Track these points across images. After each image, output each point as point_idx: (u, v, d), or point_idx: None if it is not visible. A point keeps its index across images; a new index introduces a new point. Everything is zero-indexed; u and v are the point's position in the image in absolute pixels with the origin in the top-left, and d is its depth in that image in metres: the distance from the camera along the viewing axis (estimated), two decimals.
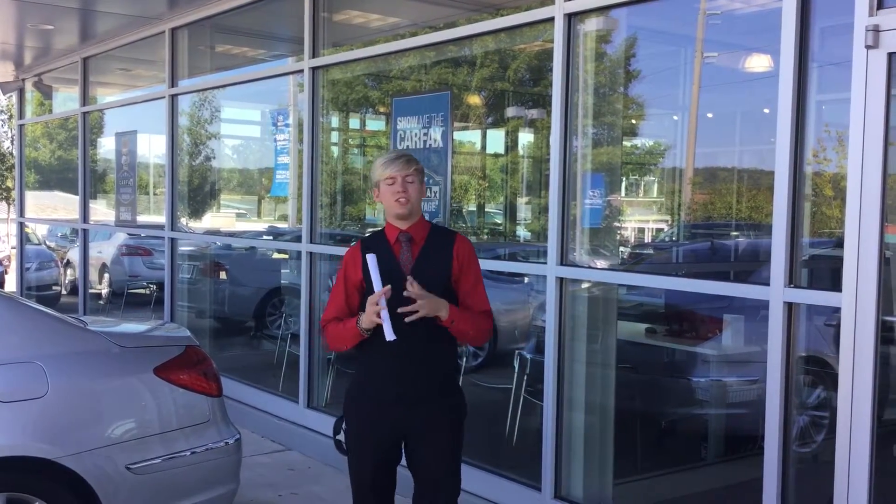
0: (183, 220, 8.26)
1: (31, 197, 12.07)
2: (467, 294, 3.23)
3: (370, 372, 3.18)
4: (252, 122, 8.93)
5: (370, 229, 7.52)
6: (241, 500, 4.49)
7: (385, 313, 3.00)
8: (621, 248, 5.89)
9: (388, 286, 3.01)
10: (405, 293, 3.01)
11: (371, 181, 3.28)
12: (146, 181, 9.31)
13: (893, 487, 3.53)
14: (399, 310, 3.02)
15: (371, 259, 3.06)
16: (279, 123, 7.17)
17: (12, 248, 13.01)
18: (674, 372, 5.51)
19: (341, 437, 3.27)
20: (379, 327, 3.03)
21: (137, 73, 9.72)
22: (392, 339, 2.99)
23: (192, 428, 3.71)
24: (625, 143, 5.92)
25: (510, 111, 7.50)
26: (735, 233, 6.35)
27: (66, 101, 11.17)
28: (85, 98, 9.59)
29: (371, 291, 3.08)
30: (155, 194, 9.15)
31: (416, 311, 3.01)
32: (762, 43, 4.91)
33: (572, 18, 4.33)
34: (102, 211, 10.02)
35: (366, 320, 3.06)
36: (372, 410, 3.17)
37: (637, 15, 5.01)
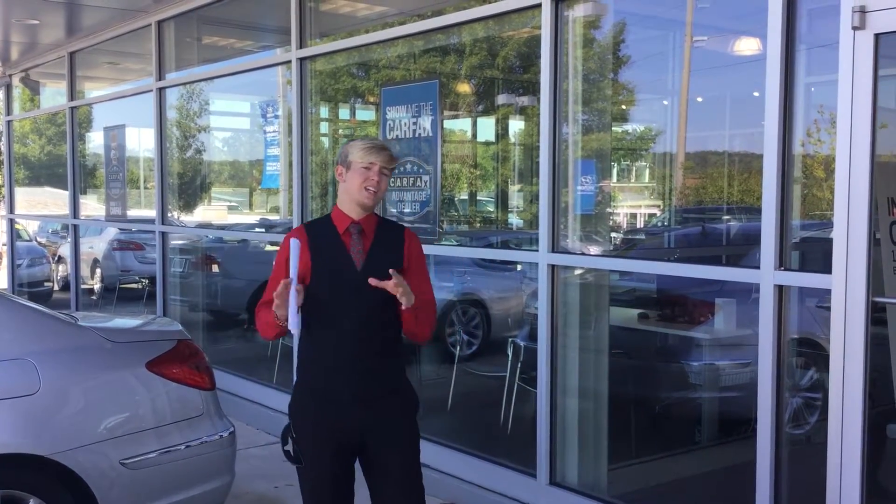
0: (174, 214, 8.23)
1: (21, 193, 12.02)
2: (416, 287, 3.06)
3: (320, 373, 3.03)
4: (241, 114, 8.90)
5: None
6: (236, 492, 4.50)
7: (294, 304, 2.82)
8: (613, 234, 5.89)
9: (291, 279, 2.84)
10: (392, 281, 2.88)
11: (340, 159, 3.08)
12: (136, 175, 9.28)
13: (887, 468, 3.55)
14: (372, 281, 2.88)
15: (294, 245, 2.86)
16: (268, 115, 7.15)
17: (3, 244, 12.97)
18: (667, 356, 5.53)
19: (289, 446, 3.06)
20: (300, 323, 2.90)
21: (125, 66, 9.67)
22: (296, 330, 2.86)
23: (185, 421, 3.71)
24: (615, 128, 5.92)
25: (500, 99, 7.49)
26: (726, 217, 6.36)
27: (53, 96, 11.11)
28: (72, 93, 9.53)
29: (328, 286, 2.95)
30: (145, 188, 9.12)
31: (391, 286, 2.88)
32: (750, 26, 4.91)
33: (560, 4, 4.31)
34: (93, 206, 9.98)
35: (278, 308, 2.87)
36: (328, 413, 3.00)
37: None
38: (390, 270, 2.90)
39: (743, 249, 5.56)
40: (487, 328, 7.08)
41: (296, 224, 6.12)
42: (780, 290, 3.41)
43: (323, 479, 3.04)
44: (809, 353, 4.54)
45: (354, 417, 2.99)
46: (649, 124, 6.80)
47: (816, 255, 3.79)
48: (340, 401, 2.99)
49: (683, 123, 6.25)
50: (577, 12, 4.46)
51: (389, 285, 2.88)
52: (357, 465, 3.14)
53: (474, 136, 7.87)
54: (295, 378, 3.18)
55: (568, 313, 4.52)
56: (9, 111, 11.70)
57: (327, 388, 3.01)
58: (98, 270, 10.74)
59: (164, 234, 7.93)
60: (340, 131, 7.82)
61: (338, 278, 2.98)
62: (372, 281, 2.89)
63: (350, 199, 3.04)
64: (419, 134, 5.18)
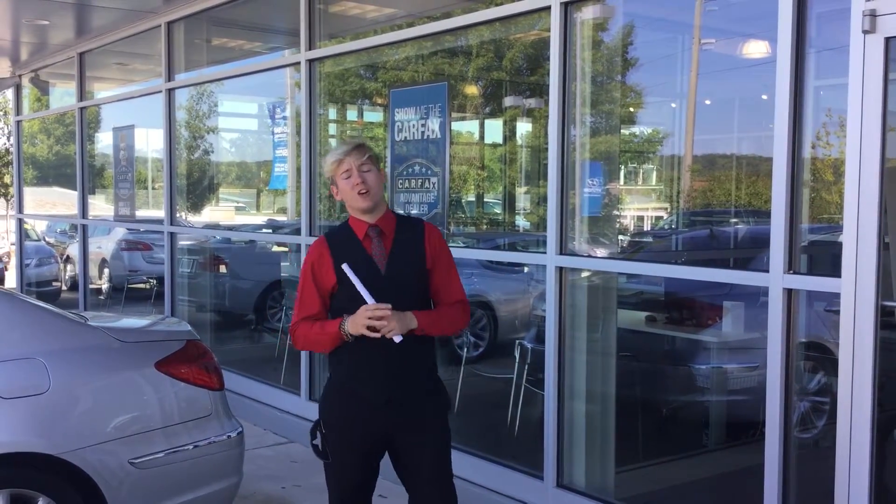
0: (182, 215, 8.26)
1: (30, 193, 12.06)
2: (441, 285, 3.10)
3: (354, 375, 3.04)
4: (250, 116, 8.92)
5: None
6: (244, 492, 4.51)
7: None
8: (620, 237, 5.89)
9: (389, 305, 2.89)
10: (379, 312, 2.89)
11: (327, 180, 3.11)
12: (144, 176, 9.30)
13: (895, 473, 3.54)
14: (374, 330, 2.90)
15: (348, 270, 2.92)
16: (277, 116, 7.17)
17: (11, 244, 13.03)
18: (674, 359, 5.52)
19: (318, 441, 3.10)
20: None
21: (134, 67, 9.70)
22: (400, 339, 2.91)
23: (194, 422, 3.72)
24: (623, 131, 5.91)
25: (508, 101, 7.50)
26: (734, 220, 6.36)
27: (62, 96, 11.15)
28: (82, 93, 9.57)
29: (351, 296, 2.95)
30: (153, 189, 9.15)
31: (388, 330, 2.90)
32: (759, 29, 4.90)
33: (569, 7, 4.32)
34: (101, 206, 10.02)
35: (355, 328, 2.91)
36: (359, 414, 3.03)
37: (634, 2, 5.00)
38: (385, 308, 2.89)
39: (751, 252, 5.55)
40: (494, 330, 7.08)
41: (303, 225, 6.13)
42: (790, 293, 3.40)
43: (349, 476, 3.10)
44: (818, 357, 4.53)
45: (384, 419, 3.03)
46: (657, 127, 6.80)
47: (825, 258, 3.79)
48: (371, 403, 3.02)
49: (691, 126, 6.24)
50: (586, 15, 4.46)
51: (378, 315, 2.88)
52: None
53: (482, 137, 7.88)
54: (328, 376, 3.21)
55: (575, 315, 4.51)
56: (18, 111, 11.75)
57: (358, 390, 3.04)
58: (106, 270, 10.77)
59: (172, 235, 7.95)
60: (349, 133, 7.83)
61: (364, 284, 2.96)
62: (371, 306, 2.88)
63: (353, 208, 3.07)
64: (427, 136, 5.19)
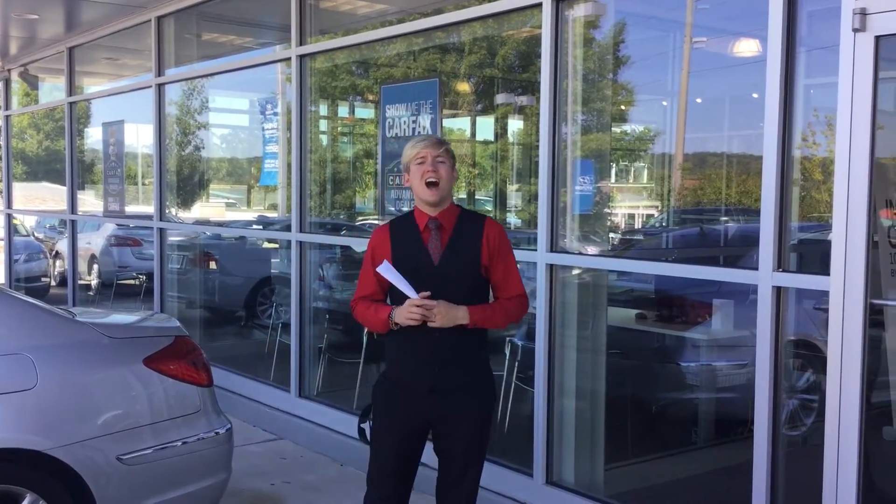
0: (172, 210, 8.23)
1: (19, 188, 12.00)
2: (500, 281, 3.18)
3: (402, 363, 3.16)
4: (240, 111, 8.90)
5: (360, 218, 7.52)
6: (233, 489, 4.50)
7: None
8: (611, 234, 5.90)
9: (428, 293, 3.00)
10: (422, 306, 3.00)
11: (402, 168, 3.22)
12: (134, 171, 9.27)
13: (883, 470, 3.56)
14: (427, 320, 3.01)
15: (386, 269, 3.03)
16: (267, 112, 7.14)
17: (0, 239, 12.96)
18: (664, 357, 5.53)
19: (366, 425, 3.24)
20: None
21: (124, 62, 9.66)
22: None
23: (182, 418, 3.71)
24: (614, 129, 5.92)
25: (499, 98, 7.50)
26: (724, 218, 6.37)
27: (52, 91, 11.10)
28: (71, 88, 9.52)
29: (399, 291, 3.06)
30: (143, 184, 9.11)
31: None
32: (750, 27, 4.92)
33: (560, 4, 4.32)
34: (90, 201, 9.97)
35: (402, 318, 3.03)
36: (404, 402, 3.14)
37: (625, 0, 5.00)
38: (423, 297, 2.99)
39: (741, 250, 5.57)
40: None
41: (294, 221, 6.12)
42: (779, 291, 3.41)
43: (386, 461, 3.19)
44: (806, 355, 4.55)
45: (425, 407, 3.12)
46: (648, 125, 6.82)
47: (815, 256, 3.80)
48: (415, 391, 3.11)
49: (682, 124, 6.25)
50: (578, 12, 4.46)
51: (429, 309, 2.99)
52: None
53: (473, 134, 7.88)
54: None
55: (566, 313, 4.52)
56: (7, 106, 11.68)
57: (405, 378, 3.15)
58: (95, 266, 10.73)
59: (161, 231, 7.92)
60: (340, 129, 7.82)
61: (416, 274, 3.05)
62: (415, 301, 2.99)
63: (419, 200, 3.17)
64: (418, 132, 5.18)
